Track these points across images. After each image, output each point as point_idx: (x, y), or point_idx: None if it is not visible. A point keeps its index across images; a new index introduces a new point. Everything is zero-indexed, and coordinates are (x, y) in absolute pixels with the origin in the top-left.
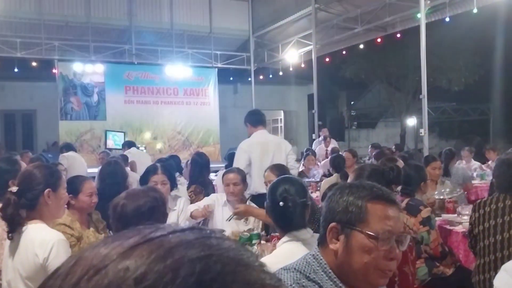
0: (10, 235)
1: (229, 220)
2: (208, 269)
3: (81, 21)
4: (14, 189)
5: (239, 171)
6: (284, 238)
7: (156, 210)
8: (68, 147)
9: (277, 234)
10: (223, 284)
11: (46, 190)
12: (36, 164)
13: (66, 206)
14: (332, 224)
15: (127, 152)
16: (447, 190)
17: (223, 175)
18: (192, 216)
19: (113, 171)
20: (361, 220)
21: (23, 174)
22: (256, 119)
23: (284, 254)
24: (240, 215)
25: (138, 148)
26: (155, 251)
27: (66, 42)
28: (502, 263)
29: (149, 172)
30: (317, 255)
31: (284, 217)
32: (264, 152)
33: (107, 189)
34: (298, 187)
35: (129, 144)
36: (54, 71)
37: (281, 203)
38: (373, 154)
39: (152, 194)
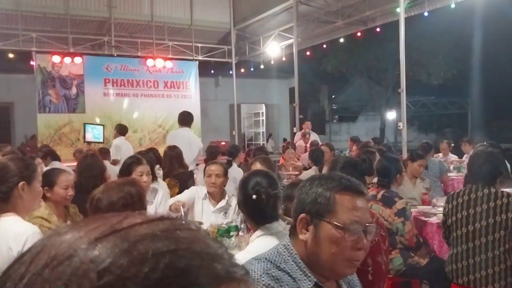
0: None
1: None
2: (172, 265)
3: (59, 13)
4: None
5: (221, 163)
6: (258, 232)
7: (130, 206)
8: (53, 156)
9: None
10: (187, 281)
11: (20, 183)
12: (10, 157)
13: (42, 199)
14: (302, 215)
15: (115, 141)
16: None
17: (206, 166)
18: (170, 209)
19: (90, 164)
20: (329, 211)
21: None
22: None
23: (258, 249)
24: None
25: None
26: (119, 244)
27: (44, 33)
28: (474, 252)
29: (133, 163)
30: (288, 245)
31: (257, 210)
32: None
33: (84, 182)
34: (270, 179)
35: (120, 130)
36: (31, 63)
37: (254, 196)
38: (359, 146)
39: (127, 189)
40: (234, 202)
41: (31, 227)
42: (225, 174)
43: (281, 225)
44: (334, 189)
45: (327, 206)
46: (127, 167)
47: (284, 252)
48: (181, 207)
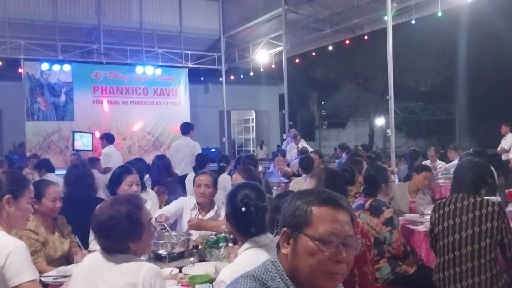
0: None
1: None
2: None
3: (47, 20)
4: None
5: (211, 173)
6: (246, 245)
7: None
8: (48, 167)
9: None
10: None
11: (6, 196)
12: (4, 170)
13: None
14: (284, 229)
15: (105, 150)
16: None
17: (195, 176)
18: (156, 220)
19: (81, 174)
20: (306, 224)
21: None
22: None
23: (246, 262)
24: (193, 229)
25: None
26: None
27: (32, 41)
28: (461, 261)
29: (123, 172)
30: (276, 261)
31: (246, 223)
32: None
33: (74, 193)
34: (258, 191)
35: (108, 138)
36: (20, 70)
37: (243, 209)
38: (348, 155)
39: (123, 216)
40: (223, 212)
41: (14, 240)
42: (215, 184)
43: (269, 238)
44: (312, 202)
45: (304, 218)
46: (117, 177)
47: (272, 268)
48: (164, 223)
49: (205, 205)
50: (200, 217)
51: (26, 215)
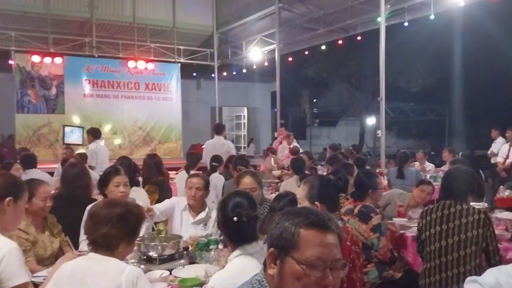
0: None
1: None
2: None
3: (39, 12)
4: None
5: (203, 176)
6: (236, 252)
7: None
8: (29, 162)
9: None
10: None
11: (7, 198)
12: (2, 172)
13: None
14: (271, 249)
15: (92, 147)
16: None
17: (187, 178)
18: None
19: (78, 174)
20: (293, 246)
21: None
22: None
23: (236, 269)
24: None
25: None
26: None
27: (23, 33)
28: (447, 267)
29: (111, 173)
30: (262, 280)
31: (237, 231)
32: None
33: (70, 193)
34: (250, 200)
35: (94, 133)
36: (10, 62)
37: (235, 218)
38: (327, 159)
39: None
40: (214, 214)
41: (8, 242)
42: (206, 187)
43: (259, 245)
44: (300, 224)
45: (291, 241)
46: (105, 177)
47: (258, 287)
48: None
49: (195, 206)
50: (190, 218)
51: (21, 215)
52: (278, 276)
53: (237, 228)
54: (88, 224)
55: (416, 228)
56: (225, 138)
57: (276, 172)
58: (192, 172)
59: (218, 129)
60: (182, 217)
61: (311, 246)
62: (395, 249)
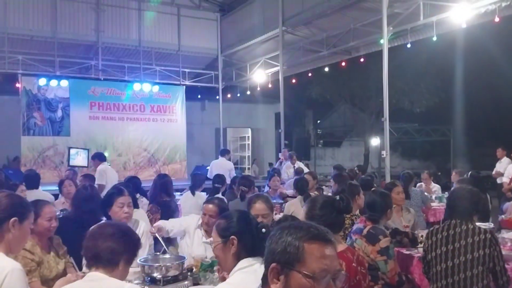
0: None
1: None
2: None
3: (46, 36)
4: None
5: (219, 203)
6: (240, 264)
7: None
8: (32, 181)
9: None
10: None
11: (12, 219)
12: (8, 193)
13: None
14: (273, 264)
15: (100, 167)
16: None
17: (204, 202)
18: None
19: (89, 197)
20: (298, 260)
21: None
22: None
23: (238, 282)
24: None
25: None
26: None
27: (30, 56)
28: None
29: (114, 194)
30: None
31: (258, 242)
32: None
33: (79, 216)
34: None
35: (100, 157)
36: (17, 85)
37: (263, 230)
38: (332, 176)
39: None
40: None
41: (12, 263)
42: (221, 213)
43: (259, 260)
44: (303, 238)
45: (296, 255)
46: (109, 198)
47: None
48: (156, 234)
49: (209, 230)
50: (204, 239)
51: (27, 237)
52: None
53: (259, 239)
54: (90, 240)
55: (422, 248)
56: (230, 159)
57: (290, 192)
58: (197, 192)
59: (223, 152)
60: (194, 234)
61: (315, 259)
62: (402, 270)
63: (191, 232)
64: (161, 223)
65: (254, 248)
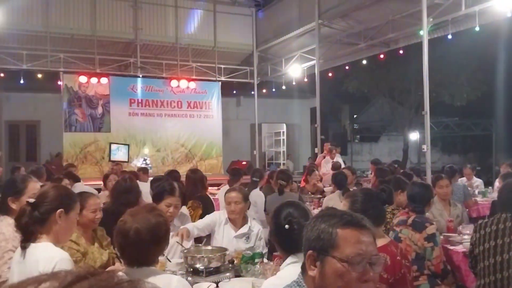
0: (23, 244)
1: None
2: None
3: (86, 34)
4: (31, 200)
5: (240, 189)
6: (288, 260)
7: (156, 238)
8: (74, 177)
9: (278, 253)
10: None
11: (59, 210)
12: (54, 184)
13: None
14: (309, 252)
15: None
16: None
17: (225, 193)
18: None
19: (127, 189)
20: (332, 246)
21: (42, 190)
22: None
23: (287, 276)
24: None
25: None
26: None
27: (71, 54)
28: (502, 284)
29: (165, 192)
30: (300, 282)
31: (289, 239)
32: None
33: (116, 208)
34: (301, 210)
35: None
36: (59, 83)
37: (286, 226)
38: (374, 170)
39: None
40: (256, 227)
41: (61, 253)
42: (245, 199)
43: None
44: (336, 225)
45: (330, 241)
46: (160, 194)
47: None
48: (181, 243)
49: (237, 220)
50: (232, 231)
51: (73, 227)
52: (319, 276)
53: (288, 236)
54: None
55: (469, 243)
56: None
57: (329, 188)
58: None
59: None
60: (223, 230)
61: (349, 244)
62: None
63: (219, 228)
64: (190, 226)
65: (292, 244)
